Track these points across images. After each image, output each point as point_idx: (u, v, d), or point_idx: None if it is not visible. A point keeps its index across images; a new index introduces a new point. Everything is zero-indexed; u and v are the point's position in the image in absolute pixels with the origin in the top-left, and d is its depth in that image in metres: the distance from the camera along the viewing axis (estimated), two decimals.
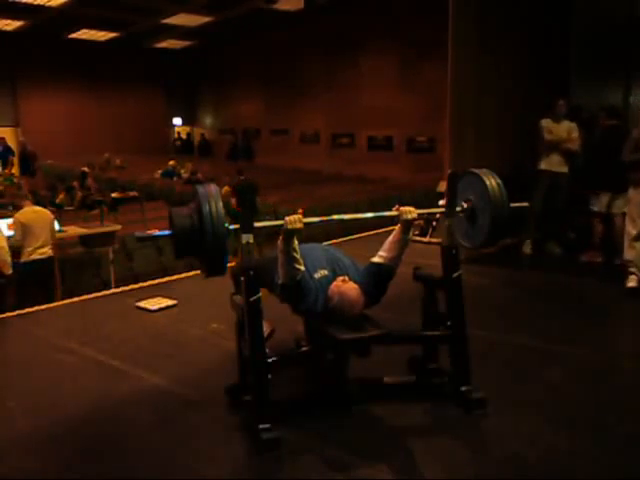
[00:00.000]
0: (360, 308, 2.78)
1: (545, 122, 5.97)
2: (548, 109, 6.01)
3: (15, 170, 16.29)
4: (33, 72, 19.53)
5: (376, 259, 2.92)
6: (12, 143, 17.71)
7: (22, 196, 6.30)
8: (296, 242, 2.76)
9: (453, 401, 2.98)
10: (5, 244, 5.20)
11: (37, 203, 6.57)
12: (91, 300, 5.12)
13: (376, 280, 2.88)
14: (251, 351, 2.65)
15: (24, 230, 5.71)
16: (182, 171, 15.22)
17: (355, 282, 2.81)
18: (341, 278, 2.82)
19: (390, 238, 2.93)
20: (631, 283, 4.77)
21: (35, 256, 5.78)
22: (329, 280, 2.84)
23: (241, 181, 9.10)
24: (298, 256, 2.77)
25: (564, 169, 6.02)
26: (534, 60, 6.44)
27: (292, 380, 3.16)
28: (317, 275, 2.86)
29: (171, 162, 15.55)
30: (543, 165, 6.02)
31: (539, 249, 6.20)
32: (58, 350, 3.91)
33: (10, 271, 5.21)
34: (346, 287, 2.77)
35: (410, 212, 2.84)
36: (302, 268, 2.79)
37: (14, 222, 5.78)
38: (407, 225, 2.87)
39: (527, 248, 6.20)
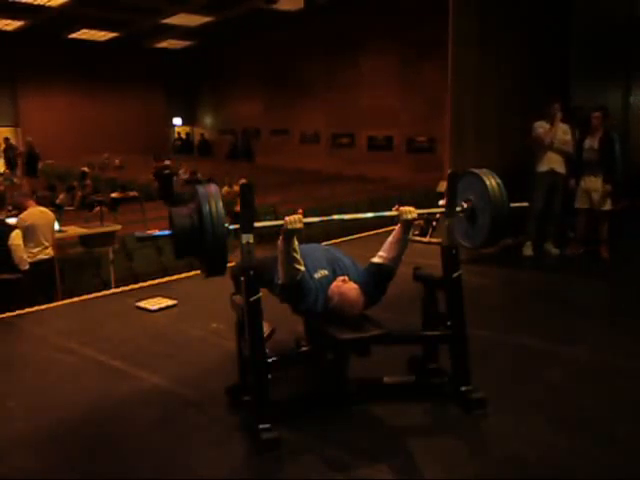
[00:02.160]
0: (360, 308, 2.78)
1: (539, 124, 5.97)
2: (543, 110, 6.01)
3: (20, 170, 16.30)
4: (33, 72, 19.55)
5: (376, 259, 2.92)
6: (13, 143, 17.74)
7: (26, 196, 6.24)
8: (296, 242, 2.76)
9: (453, 401, 2.98)
10: (21, 242, 5.18)
11: (37, 203, 6.53)
12: (91, 300, 5.12)
13: (376, 280, 2.88)
14: (251, 351, 2.65)
15: (27, 231, 5.63)
16: (181, 171, 15.21)
17: (355, 282, 2.81)
18: (341, 278, 2.82)
19: (390, 238, 2.93)
20: None
21: (41, 256, 5.76)
22: (329, 280, 2.84)
23: (160, 167, 8.92)
24: (298, 256, 2.76)
25: (563, 169, 6.03)
26: (534, 60, 6.43)
27: (292, 380, 3.16)
28: (317, 275, 2.86)
29: (167, 162, 15.54)
30: (544, 166, 6.01)
31: (539, 250, 6.20)
32: (58, 350, 3.91)
33: (27, 266, 5.22)
34: (346, 287, 2.77)
35: (410, 212, 2.84)
36: (302, 268, 2.79)
37: (18, 223, 5.67)
38: (407, 225, 2.87)
39: (528, 250, 6.17)
